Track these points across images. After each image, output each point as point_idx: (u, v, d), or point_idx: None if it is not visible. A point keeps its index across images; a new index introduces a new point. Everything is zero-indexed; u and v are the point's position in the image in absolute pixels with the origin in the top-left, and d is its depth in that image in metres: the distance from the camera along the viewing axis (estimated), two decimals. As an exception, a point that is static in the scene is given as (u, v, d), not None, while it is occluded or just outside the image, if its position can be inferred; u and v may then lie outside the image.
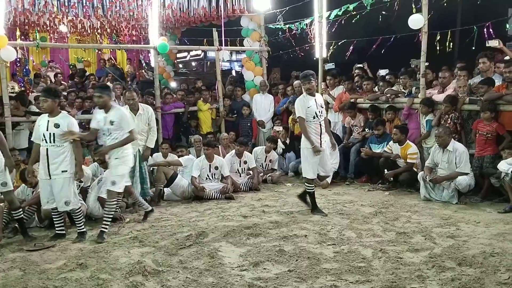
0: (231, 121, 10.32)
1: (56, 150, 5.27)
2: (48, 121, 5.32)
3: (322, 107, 6.21)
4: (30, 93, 9.98)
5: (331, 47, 9.56)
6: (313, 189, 6.33)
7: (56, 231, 5.49)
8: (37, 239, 5.46)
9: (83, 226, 5.50)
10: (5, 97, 7.84)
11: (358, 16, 8.74)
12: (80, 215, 5.49)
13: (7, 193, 5.40)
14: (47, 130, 5.29)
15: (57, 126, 5.29)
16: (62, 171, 5.29)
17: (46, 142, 5.28)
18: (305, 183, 6.34)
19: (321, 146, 6.13)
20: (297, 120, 6.34)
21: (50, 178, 5.29)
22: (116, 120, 5.48)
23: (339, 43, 9.55)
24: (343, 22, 9.06)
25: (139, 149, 6.69)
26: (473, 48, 7.57)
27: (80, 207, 5.55)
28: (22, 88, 10.86)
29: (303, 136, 6.20)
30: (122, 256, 4.69)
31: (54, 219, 5.51)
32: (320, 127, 6.15)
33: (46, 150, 5.28)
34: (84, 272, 4.29)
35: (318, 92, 9.41)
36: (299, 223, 5.74)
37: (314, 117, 6.09)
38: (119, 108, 5.71)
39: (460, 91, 7.14)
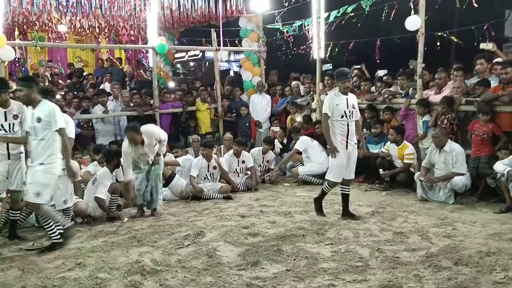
0: (230, 121, 10.34)
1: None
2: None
3: (354, 108, 5.82)
4: None
5: (329, 48, 9.59)
6: (330, 191, 6.09)
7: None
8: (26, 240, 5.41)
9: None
10: None
11: (355, 19, 8.78)
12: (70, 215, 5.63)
13: (16, 192, 5.36)
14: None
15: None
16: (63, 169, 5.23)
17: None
18: (326, 185, 6.00)
19: (346, 148, 5.78)
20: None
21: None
22: (43, 116, 4.78)
23: (338, 44, 9.59)
24: (342, 22, 9.10)
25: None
26: (475, 44, 7.56)
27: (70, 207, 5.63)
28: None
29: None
30: (121, 255, 4.71)
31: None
32: (348, 128, 5.76)
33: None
34: (82, 271, 4.30)
35: (319, 93, 9.54)
36: (297, 223, 5.77)
37: (342, 116, 5.73)
38: (48, 102, 4.94)
39: (456, 92, 7.17)
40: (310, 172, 8.33)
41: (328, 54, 9.62)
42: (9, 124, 5.21)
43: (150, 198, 6.45)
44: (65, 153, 4.95)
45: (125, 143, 6.26)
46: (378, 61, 9.47)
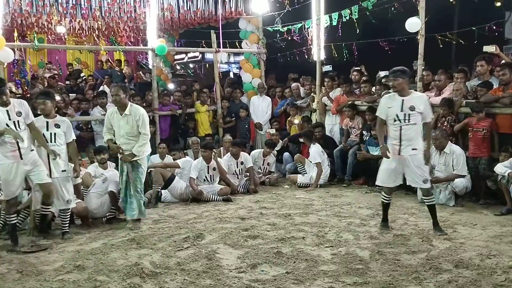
0: (230, 123, 10.32)
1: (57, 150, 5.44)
2: (47, 122, 5.52)
3: (413, 110, 5.16)
4: (26, 95, 9.96)
5: (333, 51, 9.57)
6: (387, 200, 5.53)
7: (63, 231, 5.60)
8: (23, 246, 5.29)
9: (68, 226, 5.62)
10: None
11: (356, 23, 8.78)
12: (68, 216, 5.64)
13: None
14: (47, 130, 5.46)
15: (57, 126, 5.52)
16: (62, 171, 5.50)
17: (48, 142, 5.44)
18: (383, 194, 5.59)
19: (399, 154, 5.24)
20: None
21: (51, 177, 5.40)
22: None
23: (338, 46, 9.59)
24: (343, 22, 9.09)
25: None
26: (475, 41, 7.54)
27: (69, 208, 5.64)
28: (20, 90, 10.83)
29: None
30: (120, 258, 4.69)
31: (61, 218, 5.62)
32: (401, 132, 5.21)
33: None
34: (81, 273, 4.28)
35: (320, 95, 9.52)
36: (296, 225, 5.75)
37: (394, 120, 5.25)
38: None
39: (456, 94, 7.16)
40: (308, 183, 8.35)
41: (336, 56, 9.57)
42: (14, 122, 5.13)
43: (125, 204, 6.08)
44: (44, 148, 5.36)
45: (110, 110, 6.18)
46: (379, 62, 9.46)
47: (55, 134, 5.51)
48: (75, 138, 5.82)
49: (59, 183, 5.49)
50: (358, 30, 9.11)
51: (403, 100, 5.19)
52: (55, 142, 5.49)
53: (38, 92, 6.54)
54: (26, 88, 11.13)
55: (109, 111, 6.15)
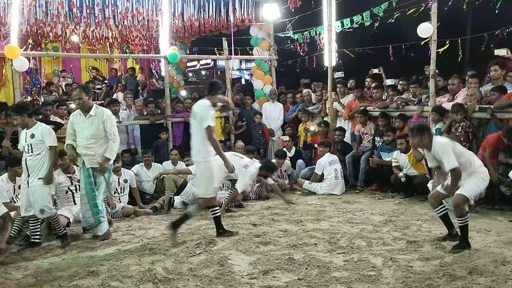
0: (241, 129, 10.34)
1: (33, 159, 5.43)
2: (26, 133, 5.51)
3: None
4: (36, 103, 10.06)
5: (349, 55, 9.55)
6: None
7: (32, 240, 5.54)
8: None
9: (62, 230, 5.60)
10: None
11: (367, 26, 8.77)
12: (56, 221, 5.55)
13: None
14: (25, 141, 5.47)
15: (32, 136, 5.45)
16: (39, 178, 5.41)
17: (26, 153, 5.47)
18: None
19: None
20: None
21: (28, 186, 5.43)
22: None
23: (350, 51, 9.59)
24: (355, 28, 9.09)
25: (84, 161, 5.65)
26: (482, 47, 7.49)
27: (56, 214, 5.56)
28: (29, 98, 10.94)
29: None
30: (133, 263, 4.72)
31: (31, 227, 5.54)
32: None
33: (25, 160, 5.45)
34: (95, 279, 4.33)
35: (327, 100, 9.53)
36: (308, 232, 5.74)
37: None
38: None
39: (470, 99, 7.11)
40: (312, 190, 8.32)
41: (349, 60, 9.53)
42: (28, 144, 5.44)
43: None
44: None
45: (72, 114, 5.88)
46: (392, 64, 9.41)
47: (30, 144, 5.43)
48: (54, 144, 5.48)
49: (34, 191, 5.38)
50: (370, 36, 9.11)
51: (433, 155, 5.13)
52: (32, 152, 5.42)
53: (10, 107, 6.57)
54: (36, 97, 11.24)
55: (71, 115, 5.86)
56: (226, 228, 5.76)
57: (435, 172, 5.27)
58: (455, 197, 4.83)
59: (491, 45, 7.52)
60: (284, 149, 9.27)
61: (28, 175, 5.43)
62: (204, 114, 5.41)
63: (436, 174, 5.24)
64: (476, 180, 4.91)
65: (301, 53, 10.68)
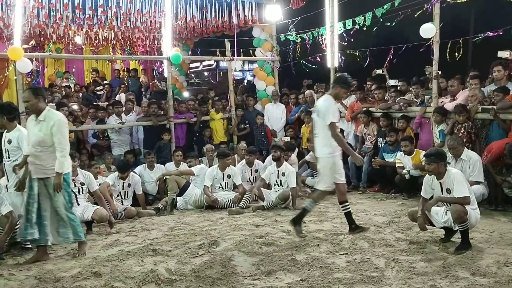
0: (244, 131, 10.35)
1: (10, 165, 5.33)
2: (5, 136, 5.38)
3: (450, 193, 5.04)
4: None
5: (356, 56, 9.55)
6: None
7: (22, 246, 5.42)
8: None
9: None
10: (21, 107, 7.97)
11: (365, 28, 8.77)
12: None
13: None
14: (3, 145, 5.36)
15: (9, 142, 5.33)
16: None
17: (5, 158, 5.37)
18: None
19: None
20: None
21: (7, 191, 5.38)
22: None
23: (352, 52, 9.59)
24: (357, 29, 9.09)
25: (30, 171, 4.99)
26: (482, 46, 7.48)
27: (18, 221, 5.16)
28: None
29: None
30: (136, 264, 4.73)
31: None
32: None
33: (4, 165, 5.42)
34: (98, 280, 4.33)
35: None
36: (311, 232, 5.74)
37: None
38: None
39: (471, 100, 7.10)
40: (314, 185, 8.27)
41: (353, 61, 9.55)
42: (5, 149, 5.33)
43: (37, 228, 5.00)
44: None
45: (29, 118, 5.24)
46: (394, 64, 9.41)
47: (8, 150, 5.32)
48: (26, 153, 5.05)
49: (12, 198, 5.30)
50: (372, 37, 9.11)
51: (441, 183, 5.13)
52: (9, 158, 5.32)
53: None
54: None
55: (28, 120, 5.22)
56: (358, 224, 5.74)
57: (421, 200, 5.33)
58: (455, 210, 4.84)
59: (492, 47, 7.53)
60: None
61: (8, 180, 5.33)
62: (326, 110, 5.45)
63: (420, 202, 5.29)
64: (474, 212, 4.99)
65: (298, 56, 10.72)
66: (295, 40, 10.56)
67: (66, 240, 5.17)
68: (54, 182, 4.90)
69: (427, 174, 5.31)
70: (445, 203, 5.09)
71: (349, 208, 5.69)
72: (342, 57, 9.63)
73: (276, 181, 7.57)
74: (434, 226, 5.25)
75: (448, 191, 5.05)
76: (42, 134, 4.92)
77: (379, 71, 9.92)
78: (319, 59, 10.44)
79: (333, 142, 5.52)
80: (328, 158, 5.54)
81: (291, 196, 7.27)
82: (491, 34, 7.56)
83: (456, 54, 7.92)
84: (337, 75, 5.93)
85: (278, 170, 7.57)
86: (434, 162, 5.04)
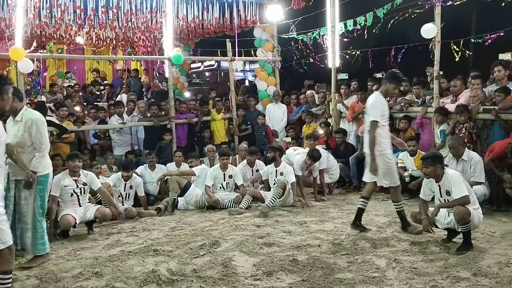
0: (246, 131, 10.35)
1: None
2: None
3: (449, 195, 5.06)
4: (32, 104, 10.06)
5: (354, 58, 9.57)
6: None
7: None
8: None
9: None
10: None
11: (366, 30, 8.76)
12: None
13: None
14: None
15: None
16: None
17: None
18: None
19: None
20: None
21: None
22: None
23: (353, 53, 9.58)
24: (358, 29, 9.09)
25: (8, 173, 4.62)
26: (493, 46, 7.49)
27: None
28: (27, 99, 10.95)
29: None
30: (137, 265, 4.73)
31: None
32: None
33: None
34: (99, 280, 4.34)
35: (331, 101, 9.52)
36: (312, 233, 5.74)
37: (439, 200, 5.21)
38: None
39: (473, 100, 7.09)
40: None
41: (352, 62, 9.57)
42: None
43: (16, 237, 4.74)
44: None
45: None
46: (395, 65, 9.39)
47: None
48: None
49: None
50: (374, 37, 9.10)
51: (439, 186, 5.14)
52: None
53: None
54: (33, 97, 11.26)
55: (8, 121, 4.92)
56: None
57: (420, 202, 5.34)
58: (458, 211, 4.84)
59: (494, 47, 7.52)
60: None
61: None
62: (371, 107, 5.50)
63: (421, 205, 5.29)
64: (476, 213, 4.99)
65: (295, 60, 10.73)
66: (297, 38, 10.55)
67: (25, 248, 4.85)
68: (25, 179, 4.61)
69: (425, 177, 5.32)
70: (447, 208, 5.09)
71: (402, 207, 5.73)
72: (347, 56, 9.63)
73: (275, 180, 7.58)
74: (437, 227, 5.25)
75: (447, 193, 5.05)
76: (19, 135, 4.72)
77: (378, 75, 9.93)
78: (318, 59, 10.45)
79: (383, 139, 5.51)
80: (380, 156, 5.53)
81: (288, 189, 7.29)
82: (493, 36, 7.55)
83: (460, 53, 7.90)
84: (390, 71, 5.83)
85: (276, 170, 7.61)
86: (430, 165, 5.05)
